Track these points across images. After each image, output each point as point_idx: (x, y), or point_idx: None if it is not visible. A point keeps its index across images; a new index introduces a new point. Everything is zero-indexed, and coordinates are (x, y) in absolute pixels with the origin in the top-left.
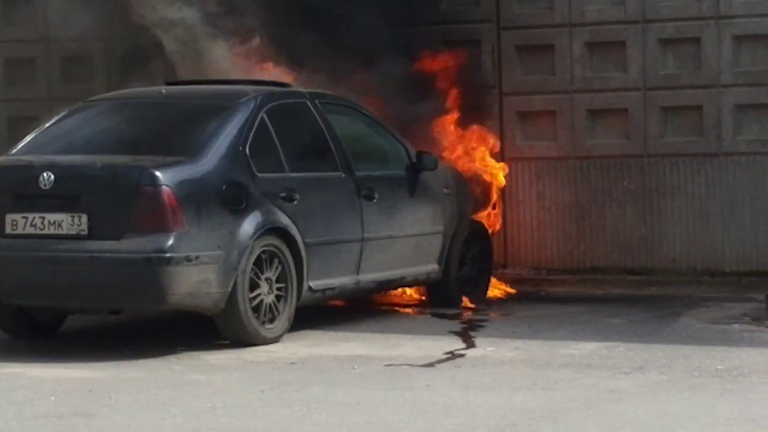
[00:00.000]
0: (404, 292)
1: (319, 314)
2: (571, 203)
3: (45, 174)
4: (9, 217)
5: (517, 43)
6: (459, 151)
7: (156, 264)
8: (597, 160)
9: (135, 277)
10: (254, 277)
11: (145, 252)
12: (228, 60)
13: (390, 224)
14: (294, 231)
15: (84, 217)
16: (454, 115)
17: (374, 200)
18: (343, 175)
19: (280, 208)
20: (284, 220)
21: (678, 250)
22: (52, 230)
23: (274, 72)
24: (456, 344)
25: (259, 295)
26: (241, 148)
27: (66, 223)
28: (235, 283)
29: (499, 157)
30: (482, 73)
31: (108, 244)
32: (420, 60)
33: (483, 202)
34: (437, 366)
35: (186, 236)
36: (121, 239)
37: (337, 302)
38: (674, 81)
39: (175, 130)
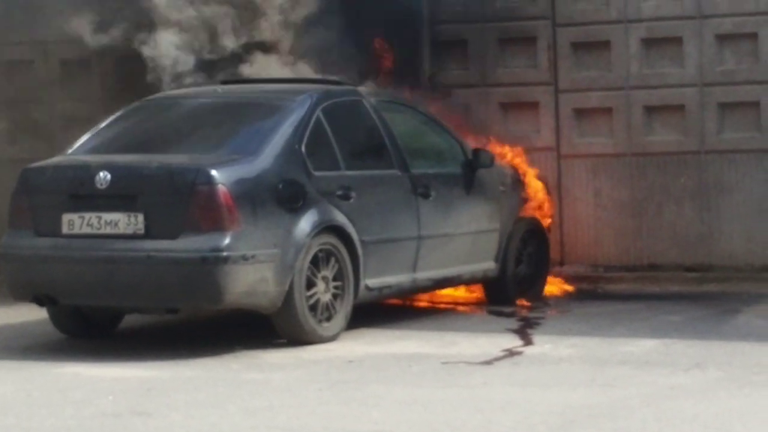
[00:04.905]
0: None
1: (375, 312)
2: (628, 200)
3: (101, 174)
4: (65, 217)
5: (573, 40)
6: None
7: (212, 263)
8: (654, 157)
9: (191, 276)
10: (311, 276)
11: (201, 251)
12: None
13: (446, 222)
14: (350, 229)
15: (140, 217)
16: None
17: (430, 198)
18: (399, 173)
19: (337, 207)
20: (341, 218)
21: (736, 246)
22: (108, 230)
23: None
24: (513, 342)
25: (315, 293)
26: (296, 146)
27: (122, 222)
28: (291, 282)
29: (556, 154)
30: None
31: (164, 244)
32: None
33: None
34: (495, 363)
35: (242, 235)
36: (178, 238)
37: (394, 300)
38: (731, 77)
39: (230, 129)
